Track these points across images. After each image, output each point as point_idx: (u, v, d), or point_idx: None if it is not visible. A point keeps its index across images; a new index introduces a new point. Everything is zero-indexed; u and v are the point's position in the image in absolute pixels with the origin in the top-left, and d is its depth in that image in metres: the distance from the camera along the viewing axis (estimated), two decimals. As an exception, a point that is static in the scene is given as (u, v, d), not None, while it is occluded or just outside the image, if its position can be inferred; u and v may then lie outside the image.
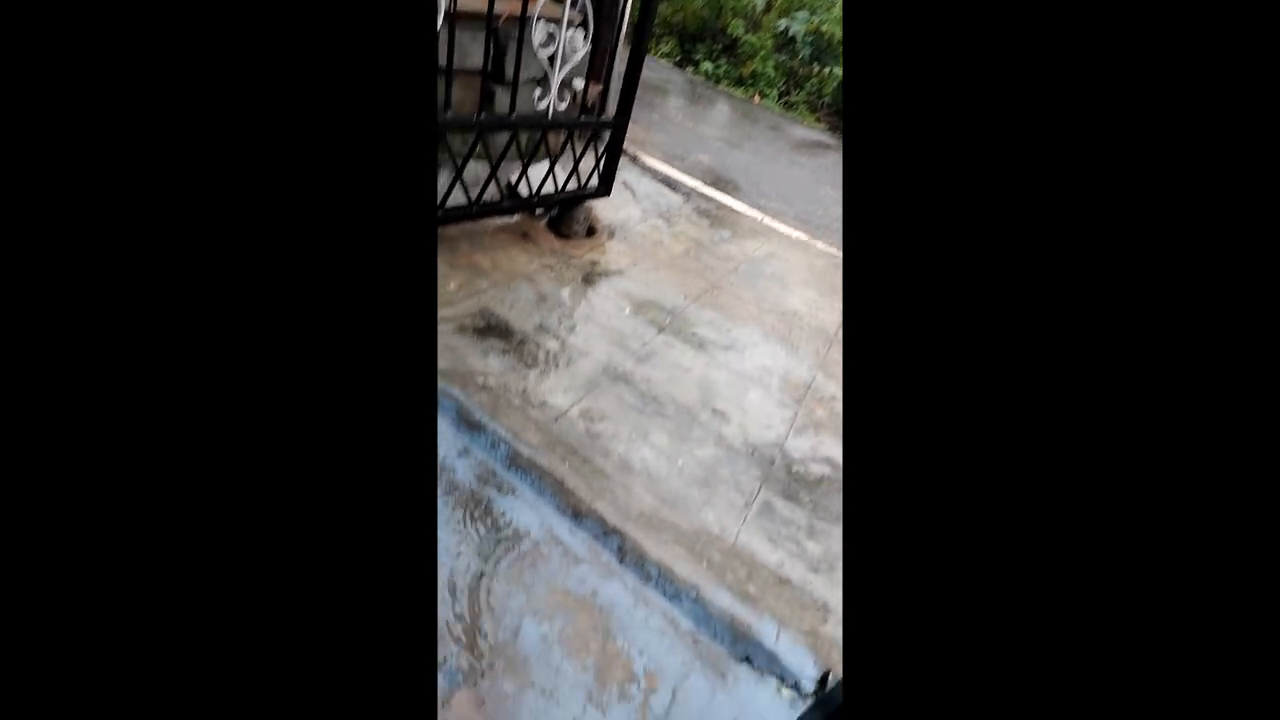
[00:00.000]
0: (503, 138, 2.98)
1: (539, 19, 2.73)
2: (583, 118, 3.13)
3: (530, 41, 2.70)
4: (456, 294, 2.63)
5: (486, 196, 2.86)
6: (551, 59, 2.82)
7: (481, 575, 1.56)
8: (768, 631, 1.61)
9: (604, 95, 3.40)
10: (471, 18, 2.65)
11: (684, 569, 1.71)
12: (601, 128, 3.20)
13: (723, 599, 1.66)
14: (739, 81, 9.41)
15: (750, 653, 1.57)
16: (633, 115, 3.33)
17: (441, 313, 2.47)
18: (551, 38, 2.79)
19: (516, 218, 3.45)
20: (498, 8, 2.53)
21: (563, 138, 3.11)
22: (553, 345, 2.51)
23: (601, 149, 3.38)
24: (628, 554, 1.72)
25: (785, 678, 1.54)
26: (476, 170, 2.89)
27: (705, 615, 1.62)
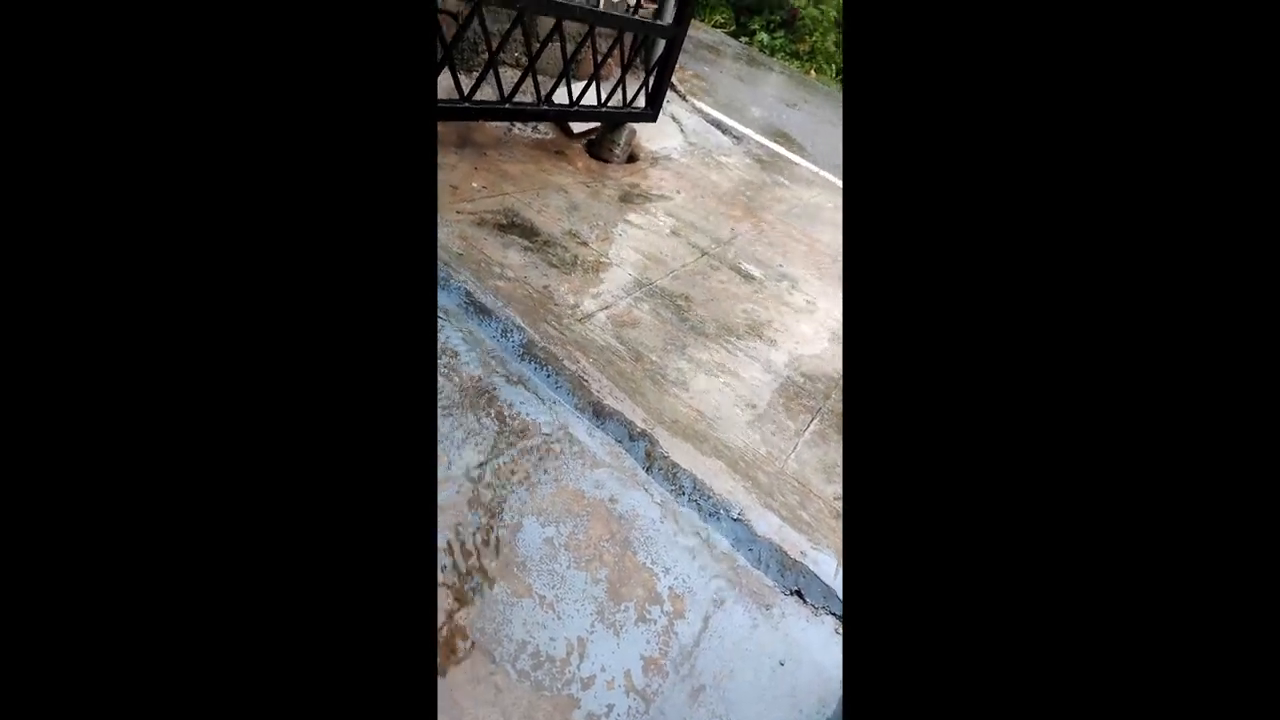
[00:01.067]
0: (545, 26, 2.67)
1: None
2: (637, 14, 2.81)
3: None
4: (479, 192, 2.35)
5: (521, 96, 2.56)
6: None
7: (481, 465, 1.27)
8: (825, 564, 1.29)
9: (660, 6, 3.09)
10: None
11: (724, 485, 1.40)
12: (655, 33, 2.88)
13: (769, 522, 1.35)
14: (795, 55, 9.02)
15: (802, 586, 1.26)
16: (685, 65, 3.01)
17: (460, 207, 2.19)
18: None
19: (551, 135, 3.16)
20: None
21: (610, 42, 2.80)
22: (582, 252, 2.22)
23: (653, 61, 3.07)
24: (656, 462, 1.41)
25: (846, 619, 1.22)
26: (510, 77, 2.59)
27: (748, 537, 1.31)
